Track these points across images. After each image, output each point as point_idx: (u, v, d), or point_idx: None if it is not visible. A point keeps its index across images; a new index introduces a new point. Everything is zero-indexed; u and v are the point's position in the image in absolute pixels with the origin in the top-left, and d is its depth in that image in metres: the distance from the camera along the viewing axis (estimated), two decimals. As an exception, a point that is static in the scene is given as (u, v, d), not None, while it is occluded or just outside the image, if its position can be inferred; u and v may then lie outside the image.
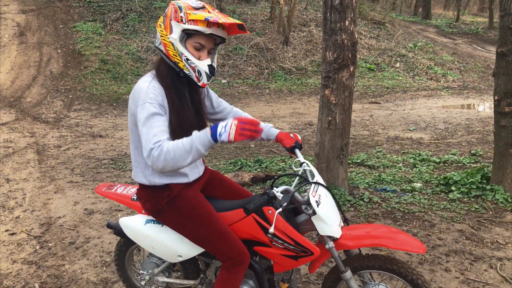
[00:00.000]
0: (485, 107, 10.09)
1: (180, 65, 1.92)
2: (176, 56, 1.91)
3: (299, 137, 2.38)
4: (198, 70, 1.92)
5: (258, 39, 13.55)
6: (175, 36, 1.88)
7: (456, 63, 14.74)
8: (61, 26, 13.16)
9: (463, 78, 13.53)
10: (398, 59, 14.49)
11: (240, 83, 11.78)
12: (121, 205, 4.34)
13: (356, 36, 4.12)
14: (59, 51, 11.79)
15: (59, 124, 7.82)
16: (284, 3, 13.75)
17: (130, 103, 1.95)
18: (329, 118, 4.23)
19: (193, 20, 1.85)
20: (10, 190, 4.79)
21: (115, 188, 2.53)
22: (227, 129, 1.71)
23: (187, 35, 1.90)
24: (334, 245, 2.10)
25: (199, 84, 1.96)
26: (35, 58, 11.28)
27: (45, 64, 11.06)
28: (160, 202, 2.07)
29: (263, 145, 6.66)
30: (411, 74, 13.61)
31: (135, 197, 2.36)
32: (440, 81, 13.08)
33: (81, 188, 4.85)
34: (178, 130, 1.93)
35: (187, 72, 1.93)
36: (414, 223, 3.89)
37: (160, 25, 1.95)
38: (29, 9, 14.20)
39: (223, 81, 11.82)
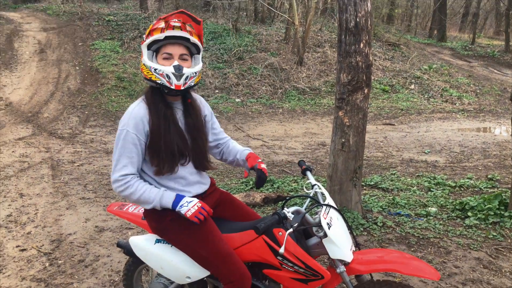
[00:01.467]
0: (501, 130, 9.92)
1: (153, 78, 2.01)
2: (149, 73, 2.01)
3: (263, 166, 2.34)
4: (166, 74, 1.99)
5: (272, 59, 13.65)
6: (144, 56, 2.02)
7: (472, 85, 14.60)
8: (80, 44, 13.47)
9: (479, 101, 13.37)
10: (412, 81, 14.41)
11: (254, 102, 11.82)
12: (132, 224, 4.33)
13: (371, 59, 4.11)
14: (77, 68, 12.03)
15: (74, 140, 7.91)
16: (299, 24, 13.88)
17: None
18: (343, 140, 4.19)
19: (149, 33, 1.99)
20: (23, 205, 4.82)
21: (127, 207, 2.55)
22: (189, 205, 1.97)
23: (155, 52, 2.04)
24: (345, 270, 2.05)
25: (172, 87, 2.01)
26: (54, 75, 11.52)
27: (63, 81, 11.28)
28: (164, 219, 2.09)
29: (275, 165, 6.63)
30: (426, 96, 13.51)
31: None
32: (455, 104, 12.94)
33: (93, 205, 4.86)
34: (151, 151, 2.03)
35: (159, 81, 2.01)
36: (429, 249, 3.78)
37: (141, 55, 2.09)
38: (50, 27, 14.61)
39: (237, 100, 11.89)
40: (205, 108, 2.29)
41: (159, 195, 2.00)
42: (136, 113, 2.01)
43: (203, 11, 18.57)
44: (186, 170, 2.12)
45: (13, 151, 6.97)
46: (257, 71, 13.12)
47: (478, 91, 14.23)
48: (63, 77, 11.48)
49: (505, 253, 3.71)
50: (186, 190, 2.12)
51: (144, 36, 2.04)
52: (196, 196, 2.15)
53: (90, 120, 9.40)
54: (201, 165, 2.19)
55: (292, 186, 5.44)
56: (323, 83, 13.46)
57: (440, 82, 14.55)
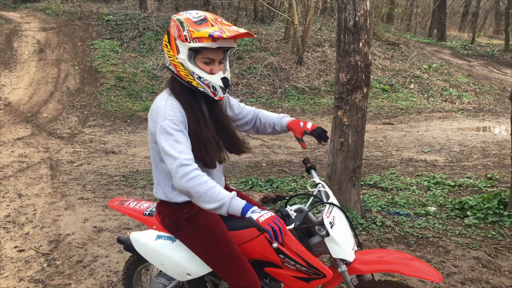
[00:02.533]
0: (501, 130, 9.92)
1: (194, 83, 1.90)
2: (188, 76, 1.89)
3: (309, 125, 2.29)
4: (212, 85, 1.90)
5: (272, 59, 13.64)
6: (183, 56, 1.87)
7: (471, 85, 14.60)
8: (79, 43, 13.46)
9: (479, 100, 13.37)
10: (412, 80, 14.41)
11: (254, 102, 11.82)
12: (130, 224, 4.32)
13: (370, 58, 4.10)
14: (76, 68, 12.02)
15: (73, 140, 7.90)
16: (299, 23, 13.87)
17: (149, 122, 1.94)
18: (342, 140, 4.18)
19: (197, 37, 1.81)
20: (21, 206, 4.81)
21: (128, 202, 2.54)
22: (262, 212, 1.72)
23: (194, 52, 1.88)
24: (346, 269, 2.05)
25: (216, 98, 1.95)
26: (53, 75, 11.50)
27: (63, 81, 11.26)
28: (179, 218, 2.05)
29: (274, 165, 6.62)
30: (425, 95, 13.50)
31: (147, 212, 2.36)
32: (455, 103, 12.94)
33: (92, 205, 4.85)
34: (195, 144, 1.92)
35: (202, 89, 1.91)
36: (428, 248, 3.78)
37: (166, 45, 1.93)
38: (50, 27, 14.59)
39: (237, 99, 11.89)
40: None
41: (230, 196, 1.76)
42: (171, 104, 1.89)
43: (203, 11, 18.52)
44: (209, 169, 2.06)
45: (12, 151, 6.96)
46: (257, 70, 13.10)
47: (477, 90, 14.22)
48: (62, 77, 11.47)
49: (504, 252, 3.70)
50: None
51: (182, 30, 1.85)
52: None
53: (90, 120, 9.38)
54: (237, 148, 2.14)
55: (291, 185, 5.43)
56: (322, 83, 13.45)
57: (439, 81, 14.55)
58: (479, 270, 3.43)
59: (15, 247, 3.83)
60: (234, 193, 1.78)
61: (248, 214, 1.73)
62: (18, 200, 4.96)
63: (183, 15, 1.90)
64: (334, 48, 14.90)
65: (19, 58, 12.14)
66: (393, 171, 6.27)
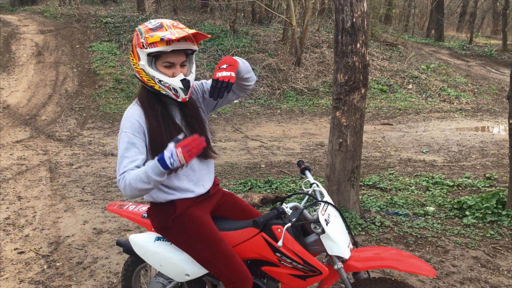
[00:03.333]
0: (499, 129, 9.95)
1: (156, 87, 1.98)
2: (150, 80, 1.97)
3: (218, 74, 1.93)
4: (172, 87, 1.96)
5: (270, 60, 13.66)
6: (143, 62, 1.95)
7: (469, 85, 14.64)
8: (77, 46, 13.46)
9: (477, 100, 13.41)
10: (410, 80, 14.44)
11: (252, 103, 11.83)
12: (130, 225, 4.33)
13: (368, 59, 4.12)
14: (75, 70, 12.03)
15: (72, 142, 7.91)
16: (297, 24, 13.90)
17: None
18: (340, 140, 4.20)
19: (152, 42, 1.90)
20: (21, 208, 4.81)
21: (126, 206, 2.57)
22: (174, 158, 1.77)
23: (154, 57, 1.96)
24: (342, 266, 2.07)
25: (178, 100, 2.00)
26: (52, 77, 11.51)
27: (61, 83, 11.27)
28: (166, 219, 2.10)
29: (273, 166, 6.63)
30: (423, 95, 13.53)
31: (146, 215, 2.38)
32: (453, 103, 12.97)
33: (91, 207, 4.85)
34: (154, 148, 1.99)
35: (164, 92, 1.98)
36: (427, 248, 3.79)
37: (131, 54, 2.02)
38: (48, 30, 14.59)
39: (235, 101, 11.90)
40: (196, 91, 2.24)
41: (147, 170, 1.82)
42: (131, 114, 1.99)
43: (201, 12, 18.58)
44: (189, 167, 2.10)
45: (11, 154, 6.96)
46: (255, 72, 13.12)
47: (476, 90, 14.27)
48: (61, 79, 11.47)
49: (502, 252, 3.71)
50: (189, 189, 2.10)
51: (140, 38, 1.94)
52: (199, 196, 2.15)
53: (88, 122, 9.39)
54: (203, 153, 2.12)
55: (290, 186, 5.44)
56: (321, 84, 13.48)
57: (438, 81, 14.59)
58: (478, 269, 3.45)
59: (15, 249, 3.84)
60: (147, 163, 1.84)
61: (172, 167, 1.78)
62: (18, 203, 4.97)
63: (143, 25, 2.01)
64: (332, 49, 14.94)
65: (18, 61, 12.15)
66: (392, 172, 6.29)
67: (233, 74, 1.91)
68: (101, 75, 11.65)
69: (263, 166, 6.66)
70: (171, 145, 1.79)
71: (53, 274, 3.43)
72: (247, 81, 2.17)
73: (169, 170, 1.81)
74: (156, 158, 1.81)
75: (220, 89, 1.89)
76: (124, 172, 1.89)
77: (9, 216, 4.59)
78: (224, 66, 1.93)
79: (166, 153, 1.79)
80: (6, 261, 3.64)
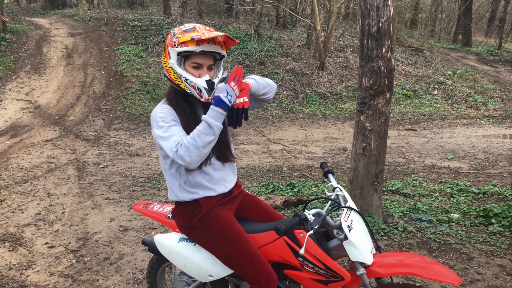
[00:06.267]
0: (528, 137, 9.69)
1: (182, 86, 2.06)
2: (177, 78, 2.06)
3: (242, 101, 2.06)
4: (197, 87, 2.04)
5: (293, 64, 13.69)
6: (172, 60, 2.05)
7: (498, 91, 14.30)
8: (105, 48, 13.80)
9: (505, 107, 13.08)
10: (436, 86, 14.22)
11: (275, 107, 11.88)
12: (155, 224, 4.43)
13: (393, 63, 4.11)
14: (102, 72, 12.33)
15: (99, 142, 8.11)
16: (321, 29, 13.89)
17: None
18: (364, 144, 4.20)
19: (183, 42, 2.00)
20: (51, 204, 4.98)
21: (152, 206, 2.61)
22: (231, 93, 1.93)
23: (184, 57, 2.06)
24: (365, 272, 2.07)
25: (202, 100, 2.06)
26: (80, 79, 11.84)
27: (89, 85, 11.58)
28: (192, 219, 2.14)
29: (295, 169, 6.65)
30: (449, 101, 13.30)
31: (170, 215, 2.42)
32: (480, 110, 12.70)
33: (117, 205, 4.98)
34: None
35: (188, 91, 2.06)
36: (451, 255, 3.75)
37: (162, 53, 2.12)
38: (77, 33, 15.02)
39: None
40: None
41: (205, 119, 1.92)
42: (161, 109, 2.06)
43: (225, 17, 18.76)
44: (211, 166, 2.14)
45: (41, 152, 7.20)
46: (278, 76, 13.17)
47: (504, 97, 13.93)
48: (89, 81, 11.78)
49: (529, 261, 3.64)
50: (211, 188, 2.14)
51: (173, 38, 2.04)
52: (223, 197, 2.19)
53: (115, 123, 9.61)
54: (223, 156, 2.19)
55: (312, 190, 5.45)
56: (344, 88, 13.41)
57: (464, 87, 14.31)
58: (503, 278, 3.39)
59: (45, 244, 3.99)
60: (202, 117, 1.95)
61: (231, 104, 1.95)
62: (48, 199, 5.14)
63: (178, 28, 2.11)
64: (356, 54, 14.85)
65: (48, 63, 12.54)
66: (415, 178, 6.22)
67: (245, 99, 2.02)
68: (127, 77, 11.91)
69: (285, 169, 6.69)
70: (221, 85, 1.94)
71: (81, 268, 3.55)
72: (265, 95, 2.24)
73: (227, 109, 1.93)
74: (212, 104, 1.94)
75: (237, 117, 2.01)
76: (178, 143, 1.94)
77: (40, 211, 4.76)
78: (236, 90, 1.98)
79: (221, 94, 1.92)
80: (37, 254, 3.78)
